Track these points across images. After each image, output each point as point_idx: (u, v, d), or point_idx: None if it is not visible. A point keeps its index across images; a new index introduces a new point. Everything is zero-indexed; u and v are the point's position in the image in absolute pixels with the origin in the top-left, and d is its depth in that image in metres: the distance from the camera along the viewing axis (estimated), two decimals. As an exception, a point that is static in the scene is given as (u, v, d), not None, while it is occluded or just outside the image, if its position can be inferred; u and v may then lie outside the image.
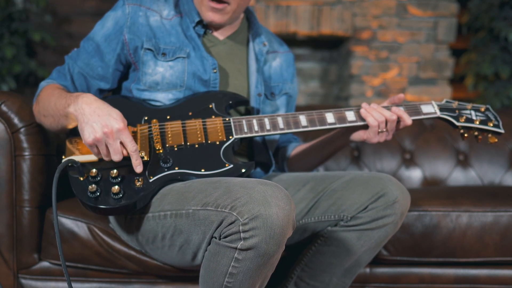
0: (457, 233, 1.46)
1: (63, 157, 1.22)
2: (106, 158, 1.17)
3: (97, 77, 1.38)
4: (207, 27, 1.42)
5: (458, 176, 2.04)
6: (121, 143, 1.16)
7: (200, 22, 1.40)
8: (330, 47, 3.43)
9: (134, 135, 1.25)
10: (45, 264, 1.42)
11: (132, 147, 1.16)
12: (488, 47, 3.11)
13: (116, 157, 1.15)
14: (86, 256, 1.38)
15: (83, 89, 1.39)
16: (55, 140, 1.49)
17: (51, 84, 1.36)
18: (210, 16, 1.36)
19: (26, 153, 1.38)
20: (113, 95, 1.41)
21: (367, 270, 1.49)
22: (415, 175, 2.05)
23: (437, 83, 3.18)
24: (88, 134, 1.13)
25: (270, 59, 1.51)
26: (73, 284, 1.40)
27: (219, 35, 1.45)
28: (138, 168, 1.17)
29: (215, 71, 1.37)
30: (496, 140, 1.36)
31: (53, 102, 1.25)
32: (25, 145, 1.38)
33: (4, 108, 1.37)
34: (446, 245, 1.46)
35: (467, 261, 1.49)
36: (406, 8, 3.12)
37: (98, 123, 1.13)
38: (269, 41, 1.53)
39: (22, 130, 1.37)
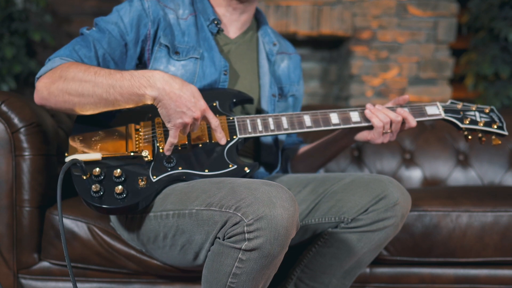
0: (457, 233, 1.46)
1: (66, 154, 1.21)
2: (184, 134, 1.19)
3: (119, 66, 1.31)
4: (220, 25, 1.40)
5: (458, 176, 2.04)
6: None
7: (214, 21, 1.39)
8: (330, 47, 3.43)
9: (138, 133, 1.24)
10: (45, 264, 1.42)
11: (215, 122, 1.19)
12: (488, 47, 3.11)
13: (195, 130, 1.19)
14: (86, 256, 1.38)
15: None
16: (55, 140, 1.49)
17: (76, 62, 1.22)
18: None
19: (26, 153, 1.38)
20: None
21: (367, 270, 1.49)
22: (415, 175, 2.05)
23: (437, 83, 3.18)
24: (179, 120, 1.14)
25: (279, 60, 1.51)
26: (73, 284, 1.40)
27: (231, 33, 1.43)
28: (223, 140, 1.21)
29: (225, 73, 1.36)
30: (499, 142, 1.36)
31: (102, 81, 1.15)
32: (25, 145, 1.38)
33: (4, 108, 1.37)
34: (446, 245, 1.46)
35: (467, 261, 1.49)
36: (406, 8, 3.11)
37: (186, 108, 1.13)
38: (278, 41, 1.52)
39: (22, 130, 1.37)
